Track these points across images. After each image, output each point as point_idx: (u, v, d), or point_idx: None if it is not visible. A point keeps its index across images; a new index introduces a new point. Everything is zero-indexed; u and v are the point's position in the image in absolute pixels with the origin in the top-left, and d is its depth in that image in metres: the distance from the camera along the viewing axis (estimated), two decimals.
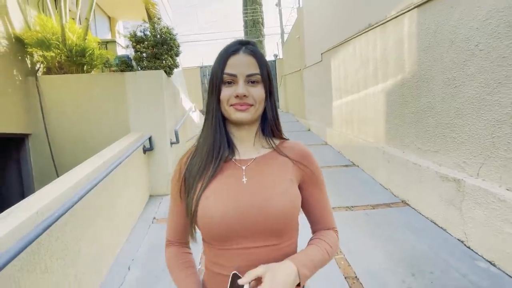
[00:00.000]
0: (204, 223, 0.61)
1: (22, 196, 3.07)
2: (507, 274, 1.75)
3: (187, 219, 0.66)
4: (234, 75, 0.62)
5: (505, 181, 1.83)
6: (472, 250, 2.02)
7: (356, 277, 1.83)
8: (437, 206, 2.38)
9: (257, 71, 0.64)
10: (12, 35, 3.07)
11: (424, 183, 2.54)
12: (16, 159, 3.12)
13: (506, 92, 1.78)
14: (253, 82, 0.63)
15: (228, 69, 0.63)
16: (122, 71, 3.42)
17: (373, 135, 3.67)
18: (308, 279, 0.60)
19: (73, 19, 3.70)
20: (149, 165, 3.30)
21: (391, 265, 1.93)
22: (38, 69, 3.37)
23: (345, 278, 1.82)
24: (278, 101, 11.14)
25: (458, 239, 2.15)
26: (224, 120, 0.68)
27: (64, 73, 3.32)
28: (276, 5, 11.25)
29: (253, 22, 18.39)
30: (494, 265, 1.85)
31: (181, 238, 0.73)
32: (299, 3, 7.66)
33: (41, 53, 3.16)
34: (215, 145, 0.66)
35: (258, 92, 0.64)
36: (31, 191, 3.08)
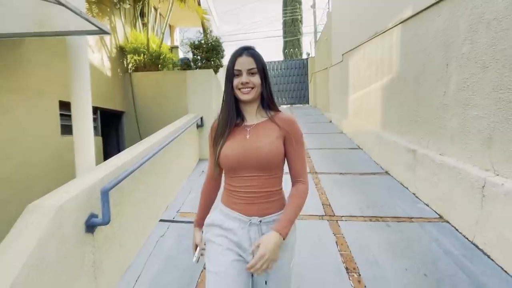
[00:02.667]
0: (223, 160, 0.98)
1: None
2: (433, 209, 2.61)
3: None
4: (240, 70, 0.95)
5: (439, 148, 2.66)
6: (418, 198, 2.88)
7: (329, 204, 2.84)
8: (403, 172, 3.23)
9: (254, 66, 0.95)
10: (118, 45, 4.62)
11: (398, 156, 3.39)
12: (116, 128, 4.69)
13: (440, 86, 2.61)
14: (252, 73, 0.95)
15: (236, 66, 0.95)
16: (184, 69, 4.78)
17: (373, 123, 4.49)
18: (289, 230, 0.90)
19: (152, 32, 5.18)
20: (199, 137, 4.61)
21: (356, 202, 2.88)
22: (130, 68, 4.91)
23: (322, 204, 2.85)
24: (305, 96, 12.06)
25: (413, 193, 3.00)
26: (237, 100, 1.00)
27: (146, 71, 4.79)
28: (311, 7, 12.03)
29: (292, 21, 19.19)
30: (428, 205, 2.70)
31: (213, 172, 1.06)
32: (329, 8, 8.42)
33: (134, 57, 4.66)
34: (229, 116, 0.99)
35: (256, 79, 0.96)
36: (124, 149, 4.61)
